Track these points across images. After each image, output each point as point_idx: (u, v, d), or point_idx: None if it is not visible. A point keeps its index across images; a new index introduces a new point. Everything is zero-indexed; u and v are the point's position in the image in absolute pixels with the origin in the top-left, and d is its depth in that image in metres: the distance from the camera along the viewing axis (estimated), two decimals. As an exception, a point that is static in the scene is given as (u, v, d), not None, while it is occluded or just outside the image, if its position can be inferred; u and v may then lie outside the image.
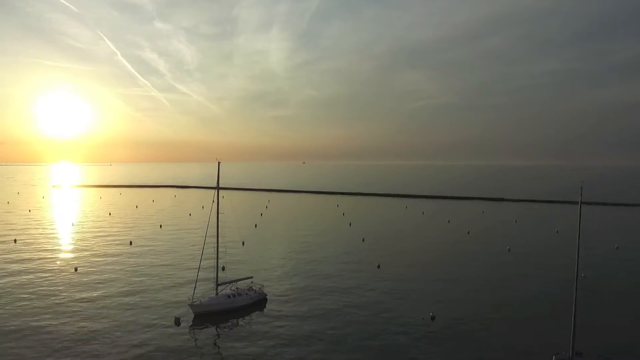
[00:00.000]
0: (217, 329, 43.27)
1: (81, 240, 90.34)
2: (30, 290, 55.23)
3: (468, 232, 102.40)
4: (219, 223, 63.53)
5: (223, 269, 66.08)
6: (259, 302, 50.74)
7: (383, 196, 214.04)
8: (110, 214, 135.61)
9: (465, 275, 63.67)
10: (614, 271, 66.21)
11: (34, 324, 43.90)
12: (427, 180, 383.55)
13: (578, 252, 30.38)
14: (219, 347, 38.86)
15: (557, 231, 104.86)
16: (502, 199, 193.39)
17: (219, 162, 50.71)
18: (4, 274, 63.10)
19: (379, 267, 68.21)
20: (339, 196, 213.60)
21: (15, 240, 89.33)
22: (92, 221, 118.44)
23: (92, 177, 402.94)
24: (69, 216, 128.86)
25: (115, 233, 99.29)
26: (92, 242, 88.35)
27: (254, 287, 52.18)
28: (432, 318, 45.60)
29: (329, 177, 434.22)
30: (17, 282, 58.61)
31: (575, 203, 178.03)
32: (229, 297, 48.37)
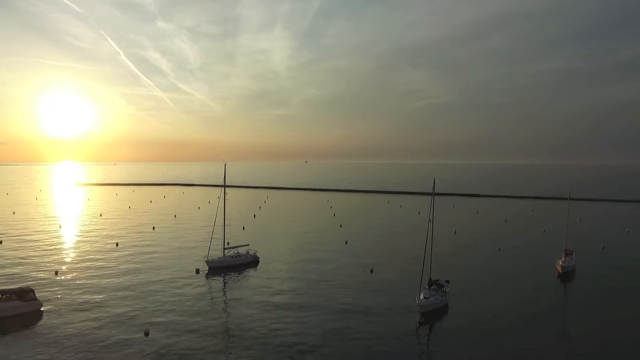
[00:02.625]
0: (224, 277, 64.22)
1: (112, 226, 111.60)
2: (85, 259, 76.53)
3: (429, 220, 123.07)
4: (224, 212, 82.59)
5: (228, 243, 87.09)
6: (254, 262, 71.91)
7: (369, 192, 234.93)
8: (130, 207, 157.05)
9: (407, 245, 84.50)
10: (525, 251, 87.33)
11: (95, 280, 65.18)
12: (418, 178, 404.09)
13: (431, 222, 51.04)
14: (225, 289, 59.62)
15: (505, 220, 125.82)
16: (477, 195, 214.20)
17: (225, 164, 71.85)
18: (62, 250, 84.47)
19: (346, 243, 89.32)
20: (331, 193, 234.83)
21: (60, 226, 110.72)
22: (116, 212, 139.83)
23: (101, 176, 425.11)
24: (94, 209, 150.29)
25: (139, 221, 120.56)
26: (122, 227, 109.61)
27: (249, 252, 73.25)
28: (371, 271, 66.66)
29: (327, 176, 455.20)
30: (73, 255, 79.97)
31: (544, 198, 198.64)
32: (232, 257, 69.60)
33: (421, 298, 49.32)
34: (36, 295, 49.38)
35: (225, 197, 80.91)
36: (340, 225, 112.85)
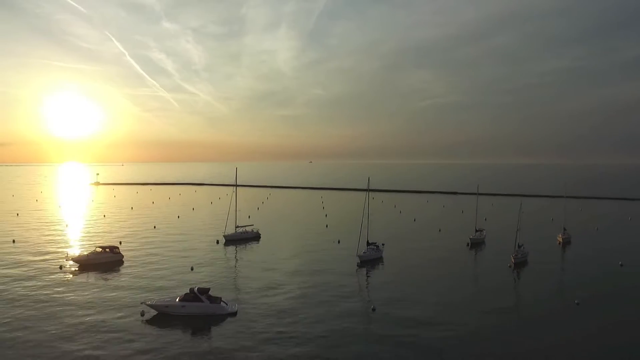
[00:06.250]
0: (236, 246, 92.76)
1: (144, 215, 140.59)
2: (137, 235, 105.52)
3: (400, 212, 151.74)
4: (236, 204, 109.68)
5: (237, 225, 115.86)
6: (257, 237, 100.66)
7: (357, 191, 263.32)
8: (153, 202, 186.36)
9: (371, 226, 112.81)
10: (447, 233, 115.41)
11: (147, 245, 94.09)
12: (409, 177, 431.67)
13: (367, 211, 79.29)
14: (236, 252, 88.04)
15: (462, 211, 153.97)
16: (455, 193, 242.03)
17: (236, 168, 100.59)
18: (116, 229, 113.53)
19: (326, 226, 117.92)
20: (325, 191, 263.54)
21: (104, 215, 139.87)
22: (143, 207, 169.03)
23: (116, 177, 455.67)
24: (125, 203, 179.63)
25: (164, 212, 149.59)
26: (152, 216, 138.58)
27: (254, 230, 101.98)
28: (338, 242, 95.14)
29: (326, 176, 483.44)
30: (126, 232, 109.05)
31: (508, 195, 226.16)
32: (242, 233, 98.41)
33: (361, 253, 77.75)
34: (120, 250, 78.25)
35: (234, 195, 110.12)
36: (326, 215, 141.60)
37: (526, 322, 48.70)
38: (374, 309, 52.28)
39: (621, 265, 75.89)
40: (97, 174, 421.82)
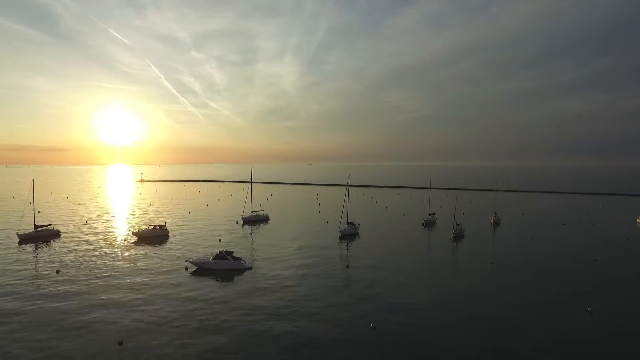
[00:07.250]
0: (251, 225, 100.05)
1: (180, 205, 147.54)
2: (177, 217, 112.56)
3: (376, 202, 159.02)
4: (251, 196, 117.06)
5: (251, 210, 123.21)
6: (267, 219, 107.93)
7: (342, 186, 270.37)
8: (187, 195, 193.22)
9: (352, 210, 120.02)
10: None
11: (186, 224, 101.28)
12: (387, 176, 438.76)
13: (346, 203, 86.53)
14: (251, 229, 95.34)
15: (423, 201, 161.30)
16: (421, 187, 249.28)
17: (251, 168, 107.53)
18: (162, 212, 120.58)
19: (319, 212, 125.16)
20: (320, 186, 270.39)
21: (150, 204, 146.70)
22: (179, 198, 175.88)
23: (156, 175, 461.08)
24: (165, 195, 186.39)
25: (196, 202, 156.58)
26: (186, 205, 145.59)
27: (264, 214, 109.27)
28: (327, 222, 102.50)
29: (321, 175, 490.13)
30: (167, 215, 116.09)
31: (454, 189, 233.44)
32: (255, 216, 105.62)
33: (342, 229, 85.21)
34: (166, 227, 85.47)
35: (249, 190, 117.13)
36: (319, 204, 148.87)
37: (455, 274, 56.39)
38: (347, 266, 59.79)
39: (531, 238, 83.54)
40: (142, 173, 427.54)
